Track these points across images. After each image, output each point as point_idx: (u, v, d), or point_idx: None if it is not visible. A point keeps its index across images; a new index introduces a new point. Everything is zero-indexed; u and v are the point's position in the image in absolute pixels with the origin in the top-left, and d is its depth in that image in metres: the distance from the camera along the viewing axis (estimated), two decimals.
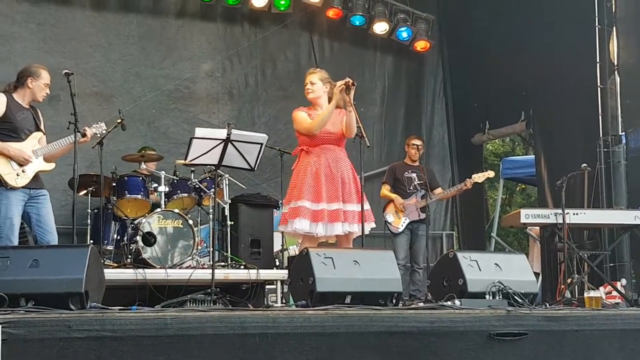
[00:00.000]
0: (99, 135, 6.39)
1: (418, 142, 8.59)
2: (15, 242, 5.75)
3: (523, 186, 18.03)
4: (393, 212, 8.30)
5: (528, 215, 7.60)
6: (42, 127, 6.08)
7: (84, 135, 6.05)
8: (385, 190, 8.41)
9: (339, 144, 6.01)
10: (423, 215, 8.23)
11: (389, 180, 8.45)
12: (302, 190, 5.87)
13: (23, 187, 5.80)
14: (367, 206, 5.98)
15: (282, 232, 7.83)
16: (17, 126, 5.82)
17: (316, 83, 6.05)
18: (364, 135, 5.87)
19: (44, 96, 6.02)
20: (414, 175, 8.38)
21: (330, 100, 6.01)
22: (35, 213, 5.87)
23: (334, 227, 5.84)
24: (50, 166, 6.07)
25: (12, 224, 5.70)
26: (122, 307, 4.35)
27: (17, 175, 5.76)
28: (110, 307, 4.24)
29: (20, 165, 5.79)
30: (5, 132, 5.78)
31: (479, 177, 8.40)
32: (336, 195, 5.86)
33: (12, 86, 5.97)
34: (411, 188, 8.32)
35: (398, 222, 8.24)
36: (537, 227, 8.40)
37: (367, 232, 5.96)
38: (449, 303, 4.91)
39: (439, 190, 8.45)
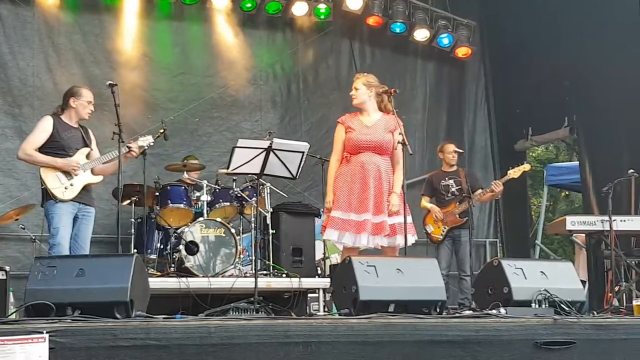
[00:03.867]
0: (146, 147, 6.52)
1: (451, 147, 8.31)
2: (67, 252, 5.91)
3: (566, 193, 17.79)
4: (432, 223, 8.18)
5: (574, 222, 7.50)
6: (92, 145, 6.36)
7: (129, 150, 6.24)
8: (424, 201, 8.26)
9: (381, 153, 5.93)
10: (462, 220, 8.06)
11: (428, 192, 8.29)
12: (336, 200, 5.87)
13: (73, 200, 6.08)
14: (409, 219, 5.91)
15: (324, 241, 7.87)
16: (64, 144, 6.13)
17: (360, 88, 6.02)
18: (407, 143, 5.83)
19: (89, 113, 6.31)
20: (451, 182, 8.19)
21: (378, 105, 6.00)
22: (76, 227, 6.14)
23: (361, 238, 5.77)
24: (98, 179, 6.31)
25: (63, 234, 5.96)
26: (166, 316, 4.37)
27: (65, 188, 6.04)
28: (154, 316, 4.26)
29: (68, 175, 6.06)
30: (54, 151, 6.10)
31: (514, 172, 8.09)
32: (366, 206, 5.80)
33: (59, 108, 6.30)
34: (449, 195, 8.16)
35: (438, 232, 8.13)
36: (583, 235, 8.27)
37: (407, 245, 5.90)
38: (494, 312, 4.84)
39: (478, 192, 8.13)
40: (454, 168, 8.31)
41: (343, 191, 5.87)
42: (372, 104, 6.02)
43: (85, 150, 6.26)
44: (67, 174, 6.07)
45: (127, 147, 6.20)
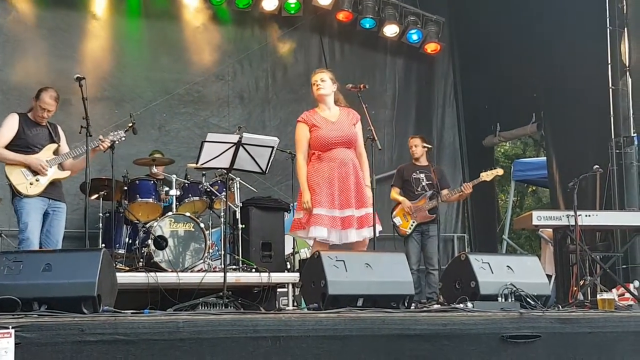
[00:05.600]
0: (117, 142, 6.49)
1: (415, 141, 8.39)
2: (36, 246, 5.88)
3: (534, 188, 17.97)
4: (401, 215, 8.20)
5: (540, 218, 7.57)
6: (61, 142, 6.33)
7: (95, 147, 6.22)
8: (394, 193, 8.29)
9: (349, 146, 5.98)
10: (432, 217, 8.11)
11: (397, 183, 8.33)
12: (318, 198, 5.86)
13: (41, 196, 6.08)
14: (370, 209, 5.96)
15: (293, 236, 7.86)
16: (29, 142, 6.14)
17: (326, 81, 6.07)
18: (375, 138, 5.87)
19: (40, 117, 6.25)
20: (422, 176, 8.22)
21: (336, 101, 6.07)
22: (48, 222, 6.15)
23: (348, 234, 5.82)
24: (65, 174, 6.32)
25: (32, 228, 5.93)
26: (134, 311, 4.35)
27: (30, 184, 6.04)
28: (122, 311, 4.25)
29: (36, 173, 6.06)
30: (19, 148, 6.10)
31: (487, 175, 8.22)
32: (348, 201, 5.85)
33: (31, 105, 6.28)
34: (419, 189, 8.17)
35: (406, 225, 8.16)
36: (549, 229, 8.37)
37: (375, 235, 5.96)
38: (461, 306, 4.89)
39: (445, 192, 8.19)
40: (426, 163, 8.32)
41: (323, 189, 5.87)
42: (332, 98, 6.09)
43: (52, 146, 6.24)
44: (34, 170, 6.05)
45: (99, 140, 6.18)
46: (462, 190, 8.18)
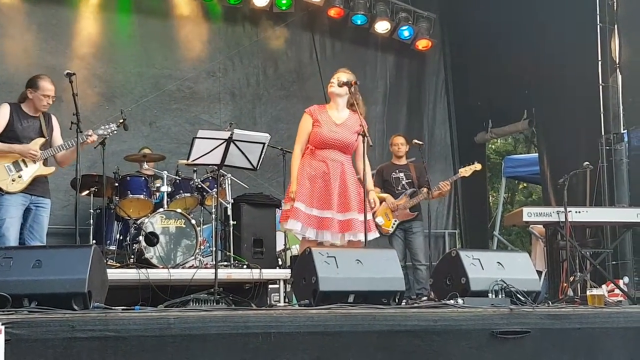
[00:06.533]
0: (107, 135, 6.45)
1: (400, 139, 8.45)
2: (13, 243, 5.82)
3: (524, 184, 18.03)
4: (383, 215, 8.20)
5: (530, 214, 7.59)
6: (55, 133, 6.26)
7: (83, 142, 6.12)
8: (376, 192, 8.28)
9: (345, 152, 5.94)
10: (413, 214, 8.15)
11: (378, 183, 8.27)
12: (299, 192, 5.85)
13: (24, 192, 6.00)
14: (369, 216, 5.93)
15: (285, 232, 7.87)
16: (18, 134, 6.05)
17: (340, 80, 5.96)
18: (367, 134, 5.86)
19: (45, 105, 6.18)
20: (401, 175, 8.28)
21: (350, 103, 5.96)
22: (31, 218, 6.07)
23: (324, 234, 5.79)
24: (50, 170, 6.23)
25: (9, 225, 5.84)
26: (125, 307, 4.35)
27: (13, 180, 5.96)
28: (113, 307, 4.24)
29: (17, 166, 5.99)
30: (7, 140, 6.01)
31: (465, 171, 8.28)
32: (329, 203, 5.81)
33: (22, 97, 6.21)
34: (399, 188, 8.22)
35: (388, 225, 8.17)
36: (540, 226, 8.39)
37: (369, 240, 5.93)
38: (452, 302, 4.90)
39: (424, 190, 8.14)
40: (405, 161, 8.38)
41: (306, 185, 5.85)
42: (345, 100, 6.01)
43: (40, 140, 6.14)
44: (17, 165, 5.99)
45: (86, 135, 6.11)
46: (440, 188, 8.19)
